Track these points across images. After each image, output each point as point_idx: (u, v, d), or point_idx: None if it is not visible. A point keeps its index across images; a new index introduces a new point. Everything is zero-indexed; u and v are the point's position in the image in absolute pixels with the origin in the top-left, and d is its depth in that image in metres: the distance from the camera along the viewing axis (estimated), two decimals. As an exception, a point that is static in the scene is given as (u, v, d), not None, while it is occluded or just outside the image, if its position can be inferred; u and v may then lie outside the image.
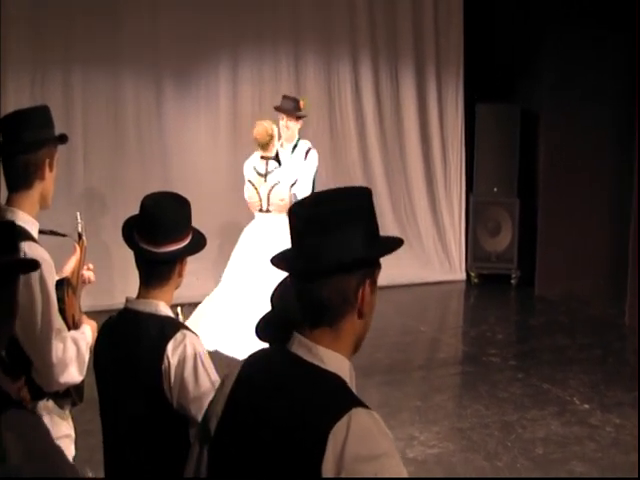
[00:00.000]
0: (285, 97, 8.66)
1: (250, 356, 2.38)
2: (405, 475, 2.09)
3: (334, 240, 2.14)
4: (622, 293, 9.86)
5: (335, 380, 2.18)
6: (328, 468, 2.03)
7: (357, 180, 11.45)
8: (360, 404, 2.12)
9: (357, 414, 2.08)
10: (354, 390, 2.20)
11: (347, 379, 2.21)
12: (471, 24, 11.75)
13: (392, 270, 11.52)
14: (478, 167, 11.60)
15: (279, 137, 8.33)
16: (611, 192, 10.76)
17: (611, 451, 6.51)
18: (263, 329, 2.95)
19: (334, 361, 2.20)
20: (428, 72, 11.77)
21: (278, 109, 8.57)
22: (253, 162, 8.19)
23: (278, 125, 8.38)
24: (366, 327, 2.27)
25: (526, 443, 6.61)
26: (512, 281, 11.47)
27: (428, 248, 11.87)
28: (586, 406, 7.34)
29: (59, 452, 2.30)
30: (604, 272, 10.75)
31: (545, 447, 6.56)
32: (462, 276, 11.86)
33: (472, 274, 11.73)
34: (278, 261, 2.28)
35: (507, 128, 11.40)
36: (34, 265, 2.51)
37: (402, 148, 11.77)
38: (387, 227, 11.47)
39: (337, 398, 2.14)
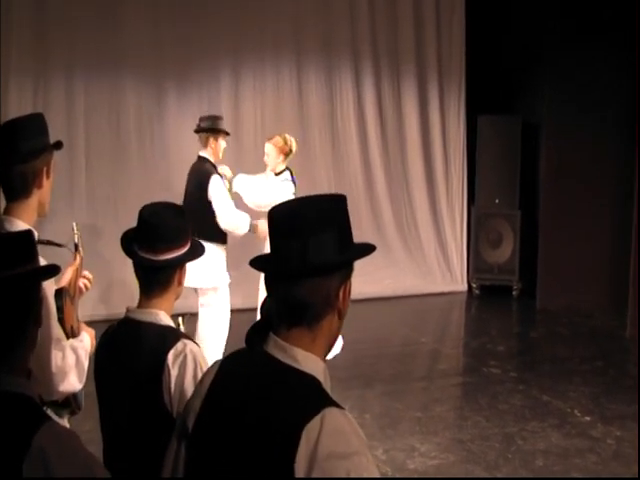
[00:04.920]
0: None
1: (228, 355, 2.44)
2: (377, 474, 2.14)
3: (314, 243, 2.20)
4: (623, 305, 9.86)
5: (310, 380, 2.22)
6: (301, 465, 2.07)
7: (359, 191, 11.47)
8: (334, 404, 2.16)
9: (330, 413, 2.12)
10: (329, 391, 2.24)
11: (322, 380, 2.24)
12: (473, 36, 11.78)
13: (394, 281, 11.60)
14: (480, 179, 11.62)
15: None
16: (613, 204, 10.77)
17: (612, 464, 6.49)
18: (252, 337, 2.97)
19: (309, 362, 2.24)
20: (430, 84, 11.80)
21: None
22: None
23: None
24: (340, 327, 2.33)
25: (526, 455, 6.60)
26: (513, 293, 11.47)
27: (430, 259, 11.88)
28: (587, 418, 7.33)
29: (93, 457, 2.36)
30: (605, 284, 10.75)
31: (545, 459, 6.54)
32: (463, 287, 11.87)
33: (473, 285, 11.74)
34: (258, 263, 2.35)
35: (508, 140, 11.42)
36: (54, 270, 2.55)
37: (404, 159, 11.80)
38: (389, 238, 11.49)
39: (311, 397, 2.18)
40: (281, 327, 2.27)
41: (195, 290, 7.69)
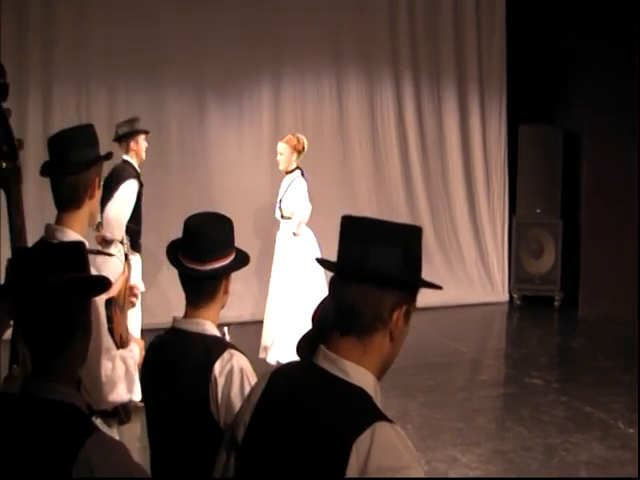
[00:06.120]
0: None
1: (278, 368, 2.44)
2: None
3: (377, 252, 2.20)
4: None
5: (360, 393, 2.21)
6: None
7: (399, 201, 11.47)
8: (384, 418, 2.16)
9: (381, 427, 2.12)
10: (379, 405, 2.23)
11: (372, 393, 2.23)
12: (513, 45, 11.76)
13: (434, 291, 11.51)
14: (521, 188, 11.57)
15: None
16: (655, 214, 10.69)
17: (655, 476, 6.44)
18: (303, 347, 2.98)
19: (359, 375, 2.23)
20: (470, 94, 11.78)
21: None
22: None
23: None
24: (393, 353, 2.32)
25: (569, 467, 6.55)
26: (555, 303, 11.40)
27: (470, 269, 11.85)
28: (630, 430, 7.26)
29: (140, 468, 2.37)
30: (647, 294, 10.66)
31: (589, 471, 6.48)
32: (505, 298, 11.82)
33: (515, 296, 11.68)
34: (324, 262, 2.36)
35: (550, 149, 11.37)
36: (104, 285, 2.56)
37: (444, 170, 11.78)
38: (429, 249, 11.46)
39: (361, 411, 2.17)
40: (334, 336, 2.27)
41: None
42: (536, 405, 7.86)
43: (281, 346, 8.21)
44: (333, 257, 2.35)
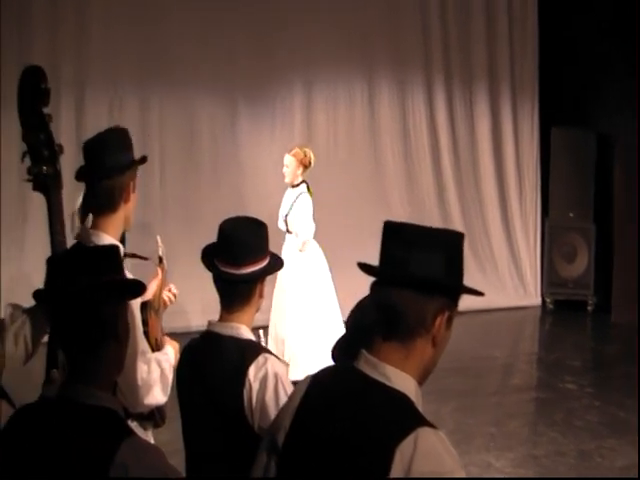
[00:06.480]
0: None
1: (318, 372, 2.43)
2: None
3: (420, 258, 2.21)
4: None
5: (401, 398, 2.21)
6: None
7: (431, 205, 11.43)
8: (427, 423, 2.15)
9: (424, 432, 2.11)
10: (421, 410, 2.23)
11: (413, 399, 2.23)
12: (546, 48, 11.71)
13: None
14: (553, 192, 11.51)
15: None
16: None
17: (691, 481, 6.38)
18: (338, 352, 2.98)
19: (400, 380, 2.23)
20: (503, 97, 11.75)
21: None
22: None
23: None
24: (435, 359, 2.31)
25: (604, 472, 6.50)
26: (588, 307, 11.31)
27: (503, 273, 11.80)
28: (665, 435, 7.20)
29: (176, 472, 2.38)
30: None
31: (623, 476, 6.44)
32: (537, 302, 11.76)
33: (548, 300, 11.62)
34: (365, 267, 2.34)
35: (583, 153, 11.29)
36: (138, 290, 2.56)
37: (477, 174, 11.75)
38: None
39: (404, 416, 2.16)
40: (375, 341, 2.27)
41: None
42: (569, 410, 7.82)
43: (299, 363, 8.15)
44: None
